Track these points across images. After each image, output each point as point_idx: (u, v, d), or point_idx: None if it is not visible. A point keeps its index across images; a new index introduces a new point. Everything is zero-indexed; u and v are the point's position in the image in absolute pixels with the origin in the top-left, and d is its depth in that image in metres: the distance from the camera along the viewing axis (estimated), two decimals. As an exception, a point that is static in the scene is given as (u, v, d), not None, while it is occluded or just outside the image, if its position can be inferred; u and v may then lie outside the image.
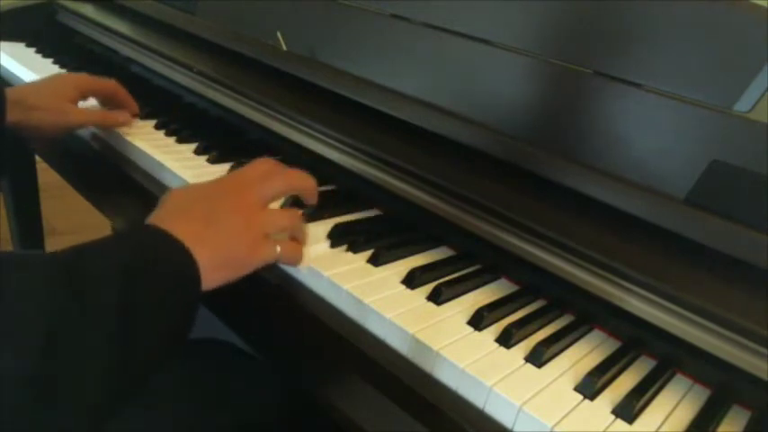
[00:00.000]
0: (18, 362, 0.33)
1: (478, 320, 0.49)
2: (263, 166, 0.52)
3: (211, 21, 0.89)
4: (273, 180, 0.51)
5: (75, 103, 0.75)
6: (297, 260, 0.52)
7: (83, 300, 0.36)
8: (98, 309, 0.36)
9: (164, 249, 0.42)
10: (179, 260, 0.42)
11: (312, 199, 0.56)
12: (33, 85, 0.77)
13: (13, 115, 0.68)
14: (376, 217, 0.66)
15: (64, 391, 0.35)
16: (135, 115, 0.80)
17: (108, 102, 0.80)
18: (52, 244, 1.24)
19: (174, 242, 0.43)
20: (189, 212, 0.47)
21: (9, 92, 0.70)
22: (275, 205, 0.55)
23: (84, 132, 0.80)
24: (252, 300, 0.57)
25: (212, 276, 0.44)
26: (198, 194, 0.50)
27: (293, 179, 0.53)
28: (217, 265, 0.45)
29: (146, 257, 0.41)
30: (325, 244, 0.57)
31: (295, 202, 0.62)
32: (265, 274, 0.54)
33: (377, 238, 0.58)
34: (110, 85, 0.78)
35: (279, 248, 0.49)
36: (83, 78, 0.77)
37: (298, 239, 0.53)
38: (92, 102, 0.80)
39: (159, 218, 0.45)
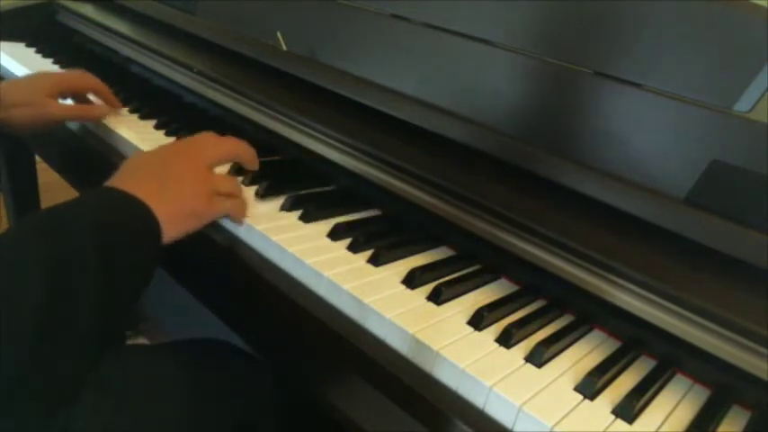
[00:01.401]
0: (21, 314, 0.38)
1: (478, 320, 0.49)
2: (208, 135, 0.59)
3: (211, 21, 0.89)
4: (219, 146, 0.58)
5: (55, 99, 0.76)
6: (243, 215, 0.58)
7: (70, 257, 0.42)
8: (84, 263, 0.42)
9: (126, 208, 0.48)
10: (140, 216, 0.48)
11: (253, 165, 0.62)
12: (12, 81, 0.78)
13: None
14: (376, 217, 0.66)
15: (63, 330, 0.40)
16: (116, 107, 0.81)
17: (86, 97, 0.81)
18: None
19: (134, 200, 0.49)
20: (145, 174, 0.53)
21: None
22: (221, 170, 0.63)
23: (84, 132, 0.80)
24: (252, 300, 0.57)
25: (170, 228, 0.50)
26: (151, 158, 0.56)
27: (237, 147, 0.60)
28: (173, 217, 0.51)
29: (113, 216, 0.47)
30: (325, 242, 0.57)
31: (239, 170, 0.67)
32: (265, 275, 0.54)
33: (377, 238, 0.58)
34: (84, 80, 0.79)
35: (229, 205, 0.56)
36: (60, 76, 0.79)
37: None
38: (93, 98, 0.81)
39: (119, 180, 0.51)
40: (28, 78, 0.78)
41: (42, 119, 0.74)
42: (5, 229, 0.43)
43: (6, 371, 0.37)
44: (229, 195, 0.57)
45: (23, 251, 0.41)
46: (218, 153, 0.58)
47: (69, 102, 0.81)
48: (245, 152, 0.60)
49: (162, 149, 0.57)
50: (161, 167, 0.54)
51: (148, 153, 0.57)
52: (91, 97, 0.82)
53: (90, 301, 0.42)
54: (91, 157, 0.79)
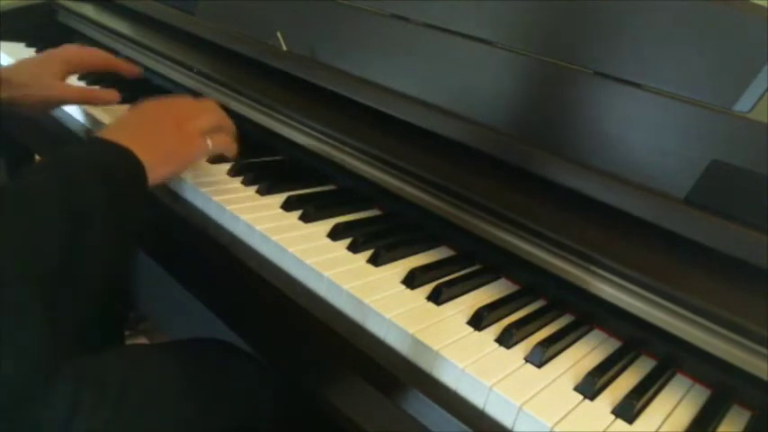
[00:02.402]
0: (41, 258, 0.41)
1: (478, 320, 0.49)
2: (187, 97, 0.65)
3: (211, 21, 0.89)
4: (202, 104, 0.64)
5: (64, 78, 0.76)
6: (227, 148, 0.63)
7: (86, 191, 0.46)
8: (92, 205, 0.46)
9: (117, 157, 0.52)
10: (129, 162, 0.52)
11: (231, 148, 0.65)
12: (20, 62, 0.77)
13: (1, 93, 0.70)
14: (376, 217, 0.66)
15: (80, 284, 0.44)
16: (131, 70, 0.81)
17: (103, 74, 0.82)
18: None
19: (122, 149, 0.53)
20: (132, 125, 0.58)
21: None
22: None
23: (85, 132, 0.80)
24: (252, 301, 0.57)
25: (157, 170, 0.55)
26: (136, 114, 0.61)
27: (220, 115, 0.64)
28: (158, 160, 0.55)
29: (111, 166, 0.51)
30: (325, 242, 0.57)
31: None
32: (265, 275, 0.54)
33: (377, 238, 0.58)
34: (99, 56, 0.80)
35: (210, 142, 0.60)
36: (71, 51, 0.78)
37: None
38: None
39: (109, 132, 0.55)
40: (36, 59, 0.78)
41: (48, 100, 0.74)
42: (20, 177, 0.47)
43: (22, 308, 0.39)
44: (214, 125, 0.62)
45: (45, 197, 0.44)
46: (196, 108, 0.63)
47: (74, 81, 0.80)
48: (227, 121, 0.65)
49: (144, 105, 0.61)
50: (143, 118, 0.60)
51: (132, 109, 0.62)
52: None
53: (98, 248, 0.45)
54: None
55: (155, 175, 0.54)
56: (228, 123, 0.65)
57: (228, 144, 0.63)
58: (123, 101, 0.80)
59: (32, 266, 0.40)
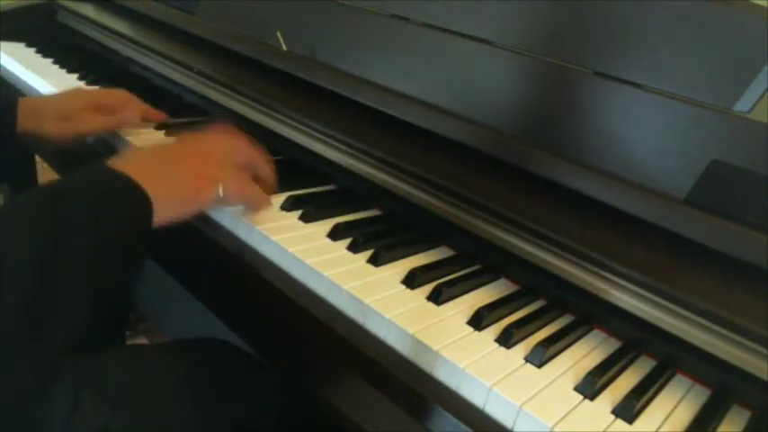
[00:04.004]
0: (16, 289, 0.40)
1: (478, 320, 0.49)
2: (222, 133, 0.60)
3: (211, 21, 0.89)
4: (224, 141, 0.59)
5: (88, 111, 0.75)
6: (246, 197, 0.57)
7: (63, 237, 0.43)
8: (75, 242, 0.44)
9: (118, 186, 0.50)
10: (132, 194, 0.50)
11: (269, 178, 0.61)
12: (48, 96, 0.79)
13: (25, 125, 0.71)
14: (376, 217, 0.66)
15: (58, 307, 0.42)
16: (160, 121, 0.80)
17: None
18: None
19: (127, 179, 0.50)
20: (144, 158, 0.55)
21: (23, 102, 0.72)
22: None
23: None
24: (252, 300, 0.57)
25: (164, 210, 0.52)
26: (156, 148, 0.58)
27: (254, 156, 0.59)
28: (165, 200, 0.52)
29: (108, 196, 0.49)
30: (325, 242, 0.57)
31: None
32: (265, 275, 0.54)
33: (377, 238, 0.58)
34: (122, 97, 0.78)
35: (221, 188, 0.55)
36: (97, 92, 0.79)
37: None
38: None
39: (120, 162, 0.52)
40: (64, 93, 0.78)
41: (70, 133, 0.73)
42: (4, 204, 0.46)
43: None
44: (243, 181, 0.57)
45: (19, 224, 0.43)
46: (224, 147, 0.58)
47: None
48: (261, 162, 0.60)
49: (171, 143, 0.60)
50: (162, 152, 0.57)
51: (154, 144, 0.60)
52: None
53: (81, 276, 0.44)
54: (91, 157, 0.79)
55: (160, 216, 0.52)
56: (265, 170, 0.60)
57: (249, 192, 0.57)
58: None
59: (22, 292, 0.40)
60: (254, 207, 0.57)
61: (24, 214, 0.44)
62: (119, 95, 0.79)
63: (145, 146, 0.59)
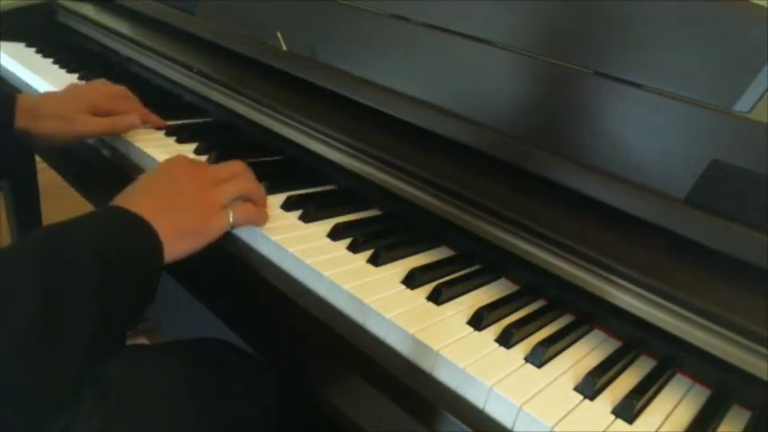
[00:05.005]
0: (15, 328, 0.39)
1: (478, 320, 0.49)
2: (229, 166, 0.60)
3: (211, 21, 0.89)
4: (225, 168, 0.59)
5: (87, 113, 0.75)
6: (251, 219, 0.57)
7: (67, 279, 0.43)
8: (80, 284, 0.43)
9: (127, 225, 0.50)
10: (141, 233, 0.49)
11: (261, 202, 0.60)
12: (47, 94, 0.78)
13: (22, 122, 0.70)
14: (376, 217, 0.66)
15: (59, 349, 0.41)
16: (161, 127, 0.79)
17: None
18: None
19: (136, 218, 0.50)
20: (151, 191, 0.54)
21: (22, 99, 0.71)
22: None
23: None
24: (251, 300, 0.57)
25: (175, 246, 0.51)
26: (158, 175, 0.57)
27: (246, 181, 0.59)
28: (176, 236, 0.51)
29: (114, 233, 0.48)
30: (325, 242, 0.57)
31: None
32: (265, 275, 0.54)
33: (377, 238, 0.58)
34: (120, 98, 0.78)
35: (231, 214, 0.55)
36: (95, 92, 0.78)
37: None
38: None
39: (125, 197, 0.53)
40: (64, 91, 0.78)
41: (69, 134, 0.73)
42: (6, 246, 0.46)
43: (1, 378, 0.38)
44: (237, 195, 0.57)
45: (21, 266, 0.42)
46: (223, 173, 0.58)
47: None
48: (255, 189, 0.59)
49: (169, 167, 0.57)
50: (166, 185, 0.55)
51: (156, 170, 0.57)
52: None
53: (87, 315, 0.43)
54: (91, 156, 0.79)
55: (170, 255, 0.51)
56: (258, 191, 0.60)
57: (253, 215, 0.57)
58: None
59: (4, 336, 0.39)
60: (260, 224, 0.58)
61: (29, 250, 0.44)
62: (118, 94, 0.78)
63: (148, 174, 0.57)
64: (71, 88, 0.78)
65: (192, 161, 0.58)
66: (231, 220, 0.55)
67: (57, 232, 0.47)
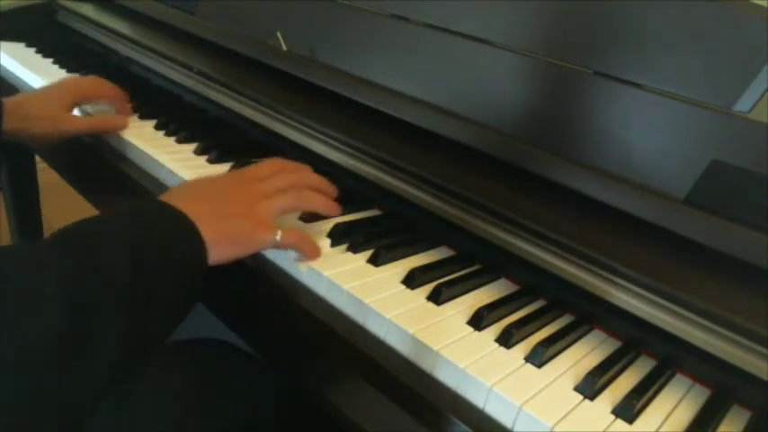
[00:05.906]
0: (46, 332, 0.36)
1: (478, 320, 0.49)
2: (274, 164, 0.57)
3: (211, 21, 0.89)
4: (279, 177, 0.56)
5: (71, 110, 0.76)
6: (299, 248, 0.53)
7: (99, 277, 0.40)
8: (114, 283, 0.40)
9: (169, 224, 0.47)
10: (186, 233, 0.47)
11: (329, 211, 0.58)
12: (32, 93, 0.78)
13: (9, 124, 0.70)
14: (376, 217, 0.66)
15: (88, 355, 0.38)
16: (127, 113, 0.80)
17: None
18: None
19: (181, 216, 0.47)
20: (197, 194, 0.52)
21: (7, 101, 0.71)
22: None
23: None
24: (251, 300, 0.57)
25: (217, 251, 0.49)
26: (208, 182, 0.55)
27: (300, 191, 0.56)
28: (218, 240, 0.49)
29: (153, 231, 0.45)
30: (326, 244, 0.57)
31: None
32: (265, 275, 0.54)
33: (377, 238, 0.58)
34: (99, 88, 0.79)
35: (280, 234, 0.52)
36: (74, 86, 0.78)
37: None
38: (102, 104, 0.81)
39: (170, 196, 0.50)
40: (48, 89, 0.78)
41: (54, 133, 0.73)
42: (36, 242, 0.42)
43: (21, 392, 0.36)
44: (286, 209, 0.55)
45: (48, 266, 0.39)
46: (278, 184, 0.55)
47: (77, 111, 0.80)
48: (311, 199, 0.56)
49: (220, 175, 0.57)
50: (215, 190, 0.53)
51: (210, 177, 0.56)
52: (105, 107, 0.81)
53: (115, 325, 0.40)
54: (91, 156, 0.79)
55: (215, 255, 0.49)
56: (315, 201, 0.56)
57: (302, 243, 0.53)
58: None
59: (26, 349, 0.36)
60: (308, 256, 0.54)
61: (59, 248, 0.41)
62: (94, 87, 0.79)
63: (188, 185, 0.55)
64: (51, 86, 0.79)
65: (241, 176, 0.56)
66: (279, 239, 0.52)
67: (88, 228, 0.44)
